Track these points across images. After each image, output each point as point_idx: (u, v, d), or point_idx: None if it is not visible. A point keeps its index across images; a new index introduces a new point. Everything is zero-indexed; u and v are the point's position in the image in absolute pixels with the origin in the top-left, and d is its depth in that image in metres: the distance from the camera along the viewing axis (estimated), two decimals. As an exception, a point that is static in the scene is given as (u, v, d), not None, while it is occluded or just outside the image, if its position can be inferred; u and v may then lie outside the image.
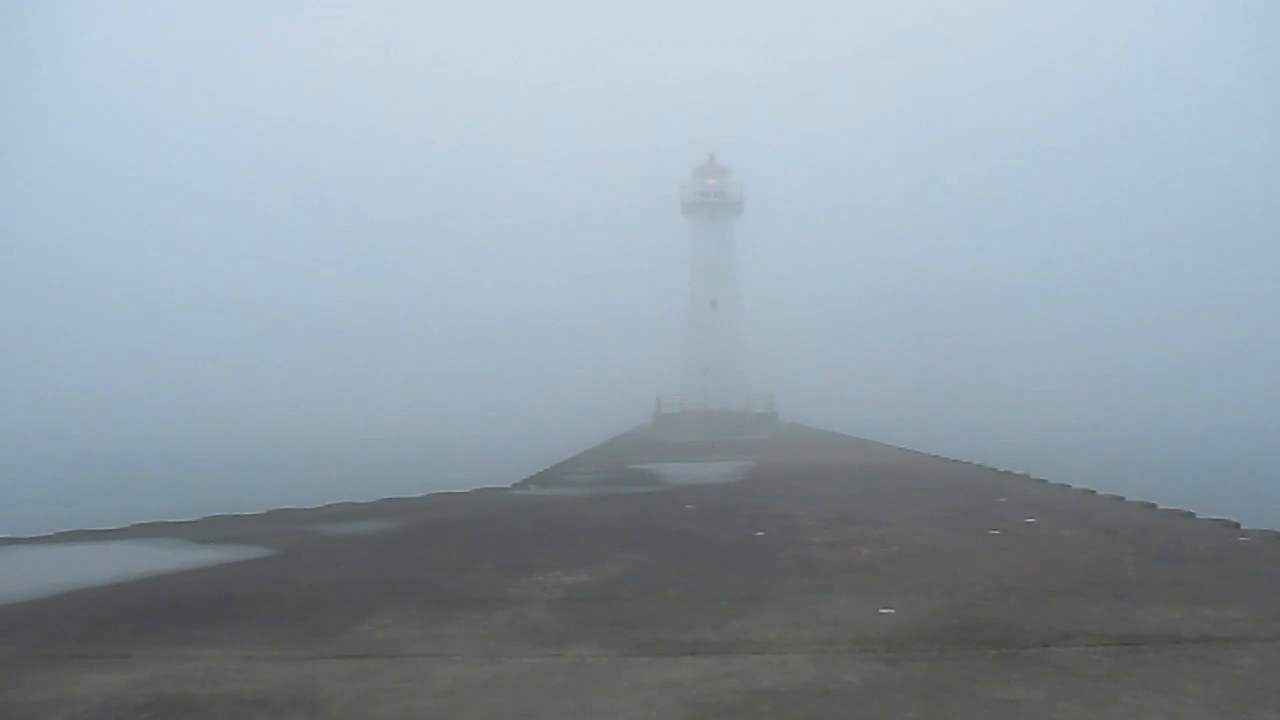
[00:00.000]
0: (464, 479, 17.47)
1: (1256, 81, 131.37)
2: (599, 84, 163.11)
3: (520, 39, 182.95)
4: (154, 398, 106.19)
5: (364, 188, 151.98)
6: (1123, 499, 11.51)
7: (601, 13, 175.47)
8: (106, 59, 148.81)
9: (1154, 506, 10.67)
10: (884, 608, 5.56)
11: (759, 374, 48.62)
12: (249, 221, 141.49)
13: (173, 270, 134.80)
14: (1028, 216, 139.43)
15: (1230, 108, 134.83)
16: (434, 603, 5.91)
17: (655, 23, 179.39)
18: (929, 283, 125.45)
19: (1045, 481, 14.35)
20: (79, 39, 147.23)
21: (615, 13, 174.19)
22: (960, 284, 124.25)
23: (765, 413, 45.22)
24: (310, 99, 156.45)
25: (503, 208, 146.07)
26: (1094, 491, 12.49)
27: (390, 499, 12.90)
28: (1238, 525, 8.94)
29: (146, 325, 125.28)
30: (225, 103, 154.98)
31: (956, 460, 20.24)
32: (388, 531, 9.51)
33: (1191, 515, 9.82)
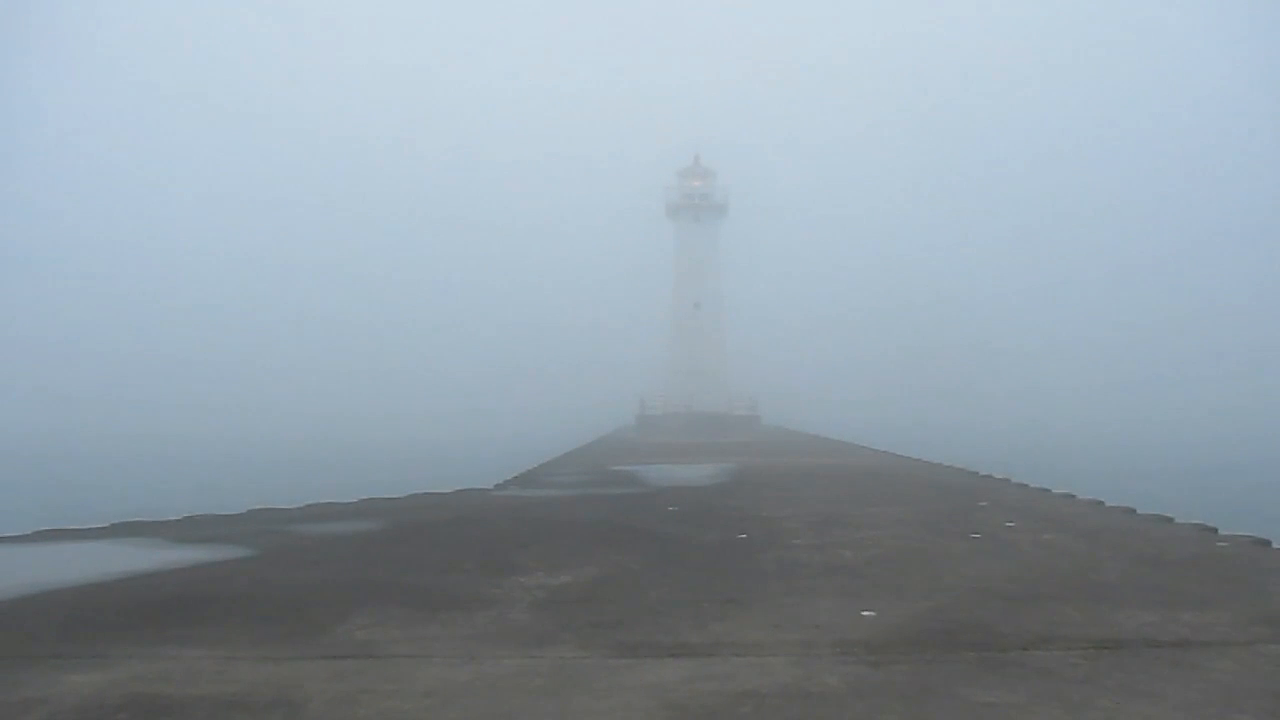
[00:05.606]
0: (446, 480, 17.39)
1: (1260, 83, 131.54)
2: (583, 86, 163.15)
3: (506, 44, 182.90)
4: (145, 398, 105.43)
5: (348, 191, 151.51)
6: (1102, 504, 11.60)
7: (588, 16, 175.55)
8: (107, 62, 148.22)
9: (1133, 511, 10.74)
10: (866, 610, 5.58)
11: (742, 376, 48.76)
12: (233, 223, 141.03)
13: (164, 271, 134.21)
14: (1017, 219, 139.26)
15: (1233, 111, 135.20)
16: (415, 603, 5.89)
17: (641, 26, 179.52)
18: (916, 286, 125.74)
19: (1026, 486, 14.44)
20: (79, 42, 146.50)
21: (602, 16, 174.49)
22: (948, 287, 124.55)
23: (748, 415, 45.30)
24: (298, 103, 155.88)
25: (485, 210, 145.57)
26: (1074, 496, 12.58)
27: (371, 499, 12.83)
28: (1216, 530, 9.02)
29: (139, 326, 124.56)
30: (223, 107, 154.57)
31: (939, 464, 20.33)
32: (369, 532, 9.47)
33: (1170, 520, 9.90)
